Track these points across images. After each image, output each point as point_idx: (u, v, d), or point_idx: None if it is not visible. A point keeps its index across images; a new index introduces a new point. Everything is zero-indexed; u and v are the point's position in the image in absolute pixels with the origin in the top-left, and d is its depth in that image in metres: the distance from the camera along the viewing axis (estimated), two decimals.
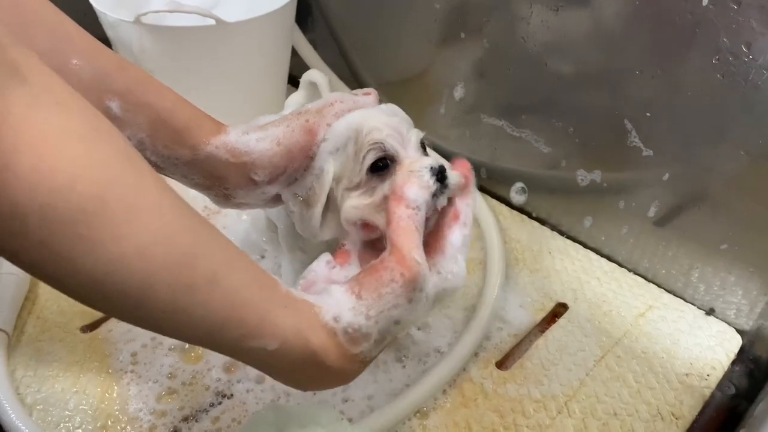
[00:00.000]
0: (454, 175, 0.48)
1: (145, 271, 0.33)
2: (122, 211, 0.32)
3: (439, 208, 0.48)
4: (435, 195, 0.47)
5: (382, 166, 0.48)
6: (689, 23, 0.59)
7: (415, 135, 0.50)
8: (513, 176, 0.82)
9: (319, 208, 0.51)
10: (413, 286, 0.43)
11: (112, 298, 0.33)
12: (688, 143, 0.65)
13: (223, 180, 0.51)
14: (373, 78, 0.95)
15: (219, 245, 0.38)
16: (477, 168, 0.84)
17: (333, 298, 0.43)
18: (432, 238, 0.49)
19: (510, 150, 0.81)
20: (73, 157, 0.31)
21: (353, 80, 0.96)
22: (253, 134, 0.51)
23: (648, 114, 0.65)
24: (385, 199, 0.47)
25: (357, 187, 0.49)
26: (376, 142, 0.48)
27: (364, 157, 0.48)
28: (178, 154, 0.49)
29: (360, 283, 0.44)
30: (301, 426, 0.47)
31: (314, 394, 0.59)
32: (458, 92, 0.82)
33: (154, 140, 0.48)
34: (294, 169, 0.51)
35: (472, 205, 0.51)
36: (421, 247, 0.45)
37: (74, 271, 0.32)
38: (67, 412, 0.57)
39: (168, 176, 0.52)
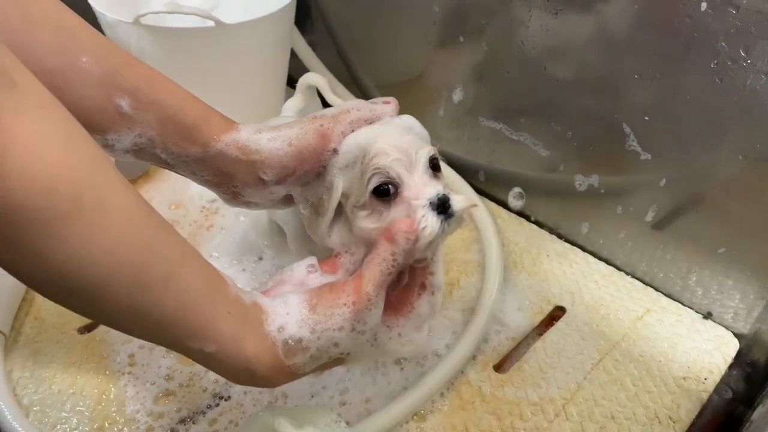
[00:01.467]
0: (459, 201, 0.48)
1: (108, 269, 0.35)
2: (95, 211, 0.34)
3: (444, 235, 0.48)
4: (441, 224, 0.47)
5: (386, 191, 0.48)
6: (688, 27, 0.59)
7: (424, 156, 0.48)
8: (511, 179, 0.82)
9: (327, 220, 0.51)
10: (358, 318, 0.45)
11: (75, 293, 0.35)
12: (687, 147, 0.65)
13: (232, 177, 0.51)
14: (371, 80, 0.95)
15: (176, 246, 0.40)
16: (475, 171, 0.85)
17: (286, 307, 0.45)
18: (401, 296, 0.51)
19: (508, 153, 0.81)
20: (56, 161, 0.32)
21: (352, 82, 0.97)
22: (265, 133, 0.51)
23: (646, 118, 0.65)
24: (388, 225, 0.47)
25: (364, 207, 0.49)
26: (380, 168, 0.47)
27: (368, 180, 0.48)
28: (188, 151, 0.50)
29: (318, 297, 0.46)
30: (298, 428, 0.46)
31: (312, 396, 0.59)
32: (457, 95, 0.82)
33: (164, 138, 0.49)
34: (304, 171, 0.51)
35: (440, 270, 0.52)
36: (382, 288, 0.46)
37: (45, 268, 0.33)
38: (63, 414, 0.57)
39: (178, 173, 0.53)
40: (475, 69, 0.80)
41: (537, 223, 0.81)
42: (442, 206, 0.47)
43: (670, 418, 0.59)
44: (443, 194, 0.47)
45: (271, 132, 0.51)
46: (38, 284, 0.36)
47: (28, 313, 0.66)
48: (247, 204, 0.55)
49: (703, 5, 0.57)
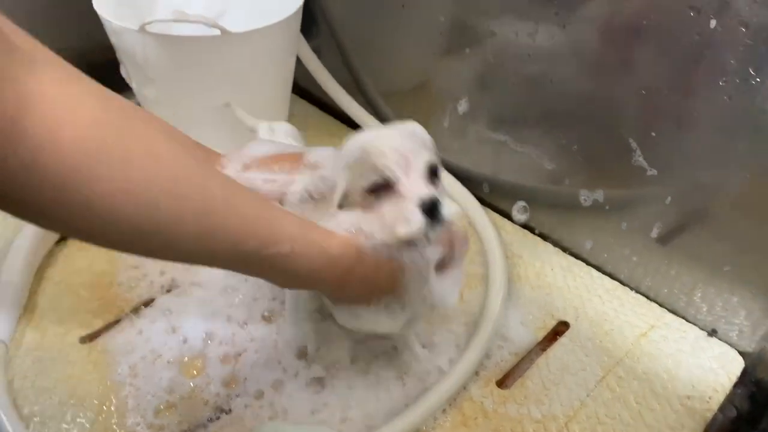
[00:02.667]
0: (449, 207, 0.49)
1: (174, 206, 0.37)
2: (147, 159, 0.36)
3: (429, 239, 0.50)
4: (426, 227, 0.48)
5: (380, 187, 0.49)
6: (696, 44, 0.58)
7: (423, 161, 0.50)
8: (516, 191, 0.82)
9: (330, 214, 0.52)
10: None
11: (151, 238, 0.38)
12: (693, 164, 0.64)
13: None
14: (376, 87, 0.95)
15: (222, 177, 0.43)
16: (480, 182, 0.84)
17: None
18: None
19: (513, 165, 0.80)
20: (89, 117, 0.34)
21: (356, 89, 0.96)
22: (258, 174, 0.53)
23: (653, 134, 0.65)
24: (380, 218, 0.49)
25: (359, 203, 0.51)
26: (378, 167, 0.49)
27: (365, 178, 0.49)
28: None
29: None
30: None
31: (312, 413, 0.58)
32: (462, 106, 0.82)
33: None
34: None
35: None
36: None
37: (117, 224, 0.35)
38: (64, 425, 0.57)
39: None
40: (480, 80, 0.79)
41: (541, 235, 0.81)
42: (431, 208, 0.48)
43: None
44: (435, 197, 0.48)
45: (265, 173, 0.53)
46: (121, 241, 0.38)
47: (30, 322, 0.66)
48: None
49: (713, 23, 0.57)
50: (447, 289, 0.53)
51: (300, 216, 0.48)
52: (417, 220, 0.48)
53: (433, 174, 0.50)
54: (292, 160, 0.58)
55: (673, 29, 0.60)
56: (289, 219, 0.46)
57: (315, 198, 0.53)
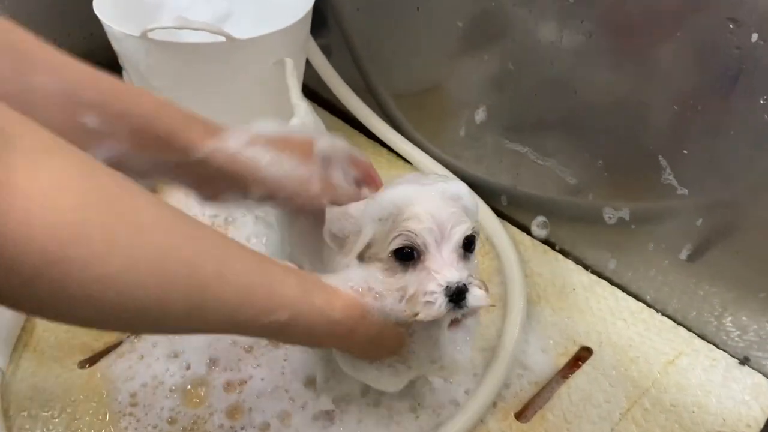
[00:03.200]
0: (477, 298, 0.45)
1: (162, 286, 0.35)
2: (132, 238, 0.33)
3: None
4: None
5: (408, 255, 0.46)
6: (735, 58, 0.54)
7: (459, 233, 0.46)
8: (536, 204, 0.78)
9: (347, 262, 0.49)
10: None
11: (138, 319, 0.36)
12: (727, 184, 0.60)
13: (214, 185, 0.51)
14: (387, 89, 0.91)
15: (214, 240, 0.40)
16: (498, 194, 0.80)
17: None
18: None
19: (534, 178, 0.76)
20: (70, 206, 0.31)
21: (366, 91, 0.92)
22: (262, 150, 0.50)
23: (685, 151, 0.61)
24: (401, 289, 0.46)
25: (382, 261, 0.48)
26: (409, 232, 0.45)
27: (393, 239, 0.46)
28: (166, 159, 0.48)
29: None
30: None
31: None
32: (480, 115, 0.78)
33: (138, 149, 0.47)
34: (286, 196, 0.52)
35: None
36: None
37: (100, 308, 0.33)
38: None
39: (156, 180, 0.54)
40: (500, 89, 0.75)
41: (562, 251, 0.77)
42: (456, 295, 0.44)
43: None
44: (463, 284, 0.44)
45: (269, 152, 0.51)
46: (102, 323, 0.38)
47: (27, 345, 0.63)
48: (224, 205, 0.54)
49: (754, 36, 0.52)
50: (458, 347, 0.49)
51: (300, 275, 0.45)
52: (439, 306, 0.44)
53: (468, 246, 0.47)
54: (303, 149, 0.54)
55: (711, 41, 0.55)
56: (289, 282, 0.43)
57: (339, 237, 0.50)
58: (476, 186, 0.81)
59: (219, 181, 0.50)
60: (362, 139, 0.93)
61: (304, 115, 0.68)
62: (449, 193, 0.48)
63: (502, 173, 0.80)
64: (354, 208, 0.50)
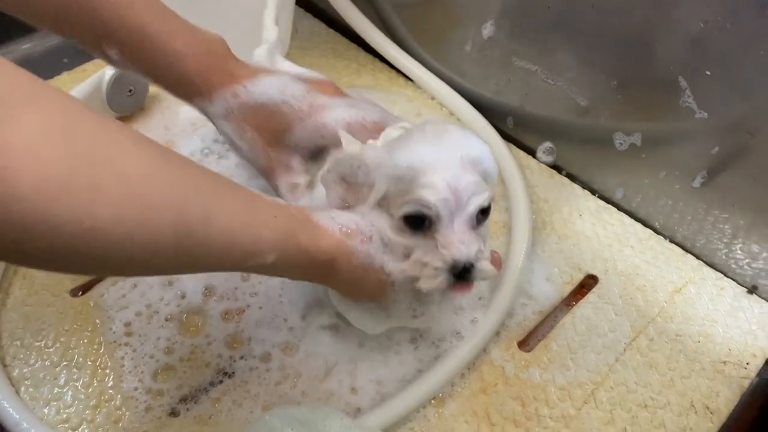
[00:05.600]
0: (482, 272, 0.45)
1: (150, 233, 0.34)
2: (118, 188, 0.33)
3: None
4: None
5: (418, 222, 0.45)
6: None
7: (474, 205, 0.44)
8: (544, 126, 0.74)
9: (360, 208, 0.48)
10: None
11: (129, 264, 0.36)
12: (751, 109, 0.57)
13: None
14: None
15: (202, 182, 0.39)
16: (504, 115, 0.77)
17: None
18: None
19: (543, 99, 0.72)
20: (55, 157, 0.30)
21: (366, 0, 0.86)
22: (292, 66, 0.60)
23: (708, 72, 0.57)
24: (407, 248, 0.46)
25: (391, 216, 0.47)
26: (423, 202, 0.44)
27: (406, 203, 0.45)
28: (187, 97, 0.55)
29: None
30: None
31: (320, 381, 0.55)
32: (487, 29, 0.73)
33: (162, 84, 0.55)
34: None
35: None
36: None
37: (91, 256, 0.33)
38: (57, 389, 0.54)
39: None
40: (509, 0, 0.70)
41: (569, 176, 0.74)
42: (462, 273, 0.45)
43: (708, 407, 0.55)
44: (470, 263, 0.44)
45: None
46: (93, 269, 0.42)
47: (16, 272, 0.61)
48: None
49: None
50: (443, 306, 0.51)
51: (288, 214, 0.44)
52: (441, 281, 0.44)
53: (481, 216, 0.46)
54: (332, 88, 0.57)
55: None
56: (276, 223, 0.43)
57: (348, 182, 0.48)
58: (482, 106, 0.77)
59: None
60: (361, 54, 0.88)
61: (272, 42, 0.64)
62: (470, 158, 0.46)
63: (509, 93, 0.75)
64: (371, 156, 0.47)
